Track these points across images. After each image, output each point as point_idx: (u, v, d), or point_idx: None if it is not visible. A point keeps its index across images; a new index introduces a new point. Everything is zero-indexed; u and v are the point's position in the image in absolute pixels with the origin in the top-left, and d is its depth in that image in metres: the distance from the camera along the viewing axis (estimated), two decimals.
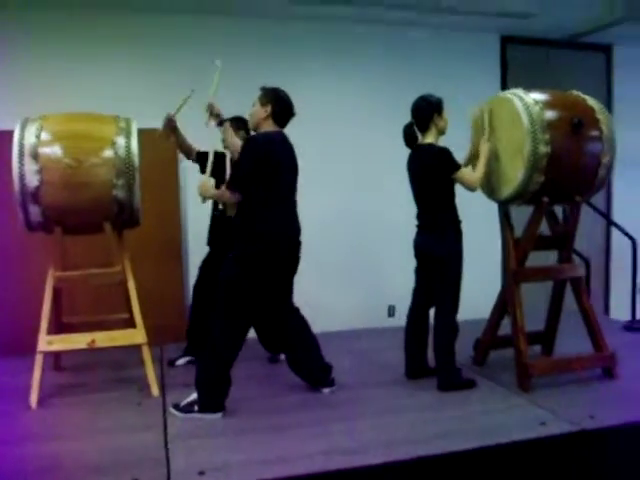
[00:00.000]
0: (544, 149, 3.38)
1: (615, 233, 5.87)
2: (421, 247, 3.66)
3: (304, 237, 3.48)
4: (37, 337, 3.57)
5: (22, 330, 4.57)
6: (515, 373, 3.64)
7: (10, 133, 3.52)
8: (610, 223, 5.73)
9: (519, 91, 3.57)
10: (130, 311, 3.99)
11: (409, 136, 3.62)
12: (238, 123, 4.09)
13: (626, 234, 5.36)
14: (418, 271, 3.78)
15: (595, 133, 3.53)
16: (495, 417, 3.18)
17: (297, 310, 3.63)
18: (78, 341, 3.63)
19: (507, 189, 3.59)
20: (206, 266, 4.21)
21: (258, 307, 3.39)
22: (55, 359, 4.13)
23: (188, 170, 4.79)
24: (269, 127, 3.36)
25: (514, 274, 3.63)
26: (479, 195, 3.80)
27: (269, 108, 3.34)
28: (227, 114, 4.03)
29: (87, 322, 4.05)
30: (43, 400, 3.50)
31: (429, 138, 3.59)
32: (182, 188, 5.04)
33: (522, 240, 3.70)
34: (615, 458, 2.97)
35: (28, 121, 3.54)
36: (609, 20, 5.14)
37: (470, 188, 3.56)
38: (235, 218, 3.37)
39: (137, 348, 4.05)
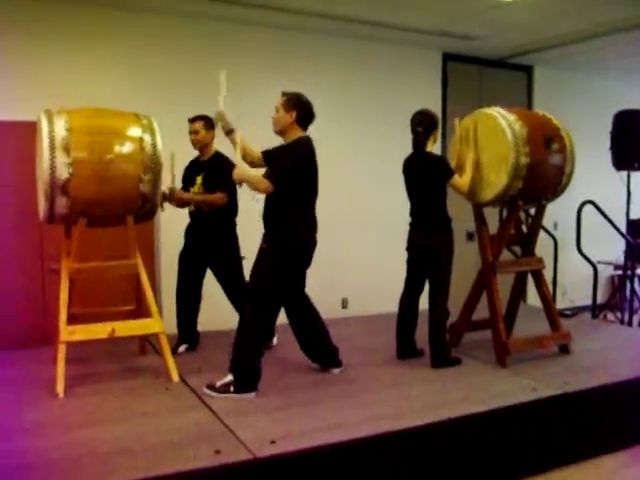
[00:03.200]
0: (525, 160, 3.99)
1: None
2: (418, 242, 4.13)
3: None
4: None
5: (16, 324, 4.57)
6: (488, 351, 4.22)
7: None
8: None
9: (500, 109, 4.16)
10: (136, 302, 4.14)
11: (418, 143, 4.08)
12: (209, 122, 4.25)
13: (549, 233, 6.20)
14: (411, 263, 4.25)
15: (560, 147, 4.20)
16: (493, 386, 3.72)
17: (308, 297, 3.97)
18: (99, 331, 3.70)
19: (489, 193, 4.15)
20: (184, 259, 4.46)
21: (285, 295, 3.72)
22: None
23: None
24: (296, 131, 3.64)
25: (493, 266, 4.21)
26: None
27: (294, 114, 3.60)
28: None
29: (88, 313, 4.10)
30: (66, 389, 3.54)
31: (428, 147, 4.09)
32: None
33: (497, 237, 4.29)
34: (590, 412, 3.64)
35: (53, 114, 3.58)
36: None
37: (461, 191, 4.11)
38: (268, 212, 3.64)
39: (125, 340, 4.15)
